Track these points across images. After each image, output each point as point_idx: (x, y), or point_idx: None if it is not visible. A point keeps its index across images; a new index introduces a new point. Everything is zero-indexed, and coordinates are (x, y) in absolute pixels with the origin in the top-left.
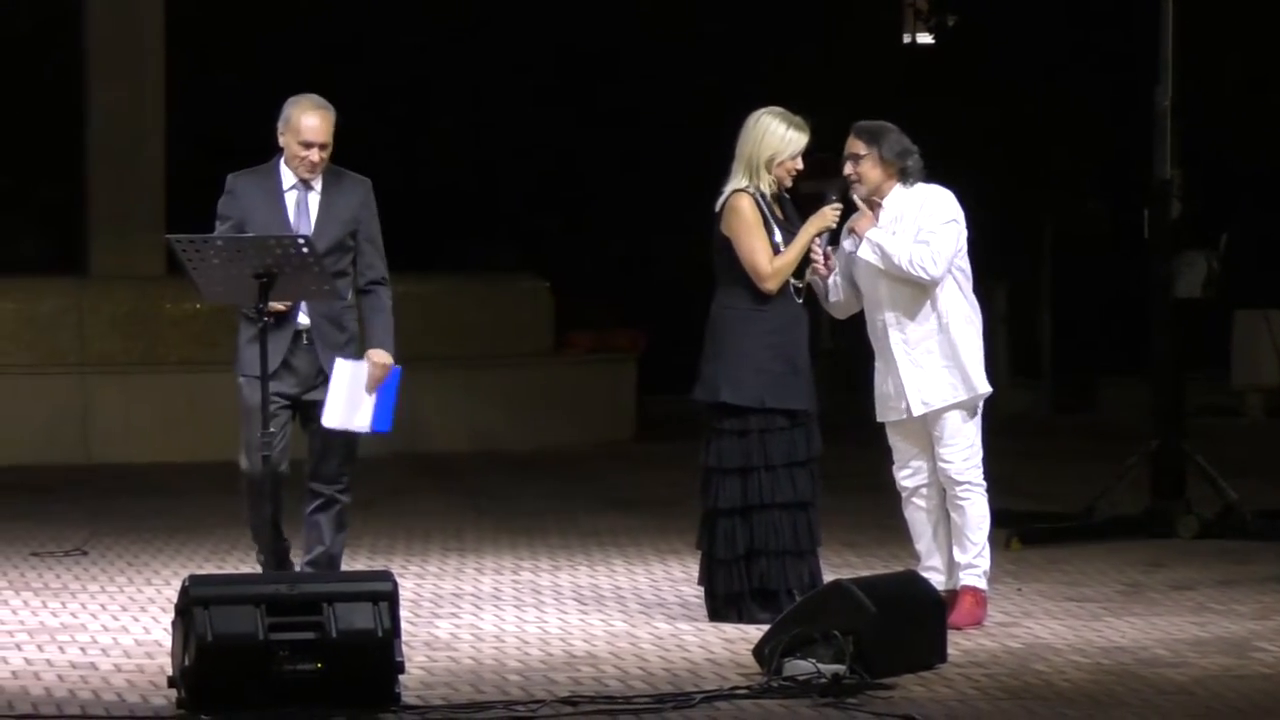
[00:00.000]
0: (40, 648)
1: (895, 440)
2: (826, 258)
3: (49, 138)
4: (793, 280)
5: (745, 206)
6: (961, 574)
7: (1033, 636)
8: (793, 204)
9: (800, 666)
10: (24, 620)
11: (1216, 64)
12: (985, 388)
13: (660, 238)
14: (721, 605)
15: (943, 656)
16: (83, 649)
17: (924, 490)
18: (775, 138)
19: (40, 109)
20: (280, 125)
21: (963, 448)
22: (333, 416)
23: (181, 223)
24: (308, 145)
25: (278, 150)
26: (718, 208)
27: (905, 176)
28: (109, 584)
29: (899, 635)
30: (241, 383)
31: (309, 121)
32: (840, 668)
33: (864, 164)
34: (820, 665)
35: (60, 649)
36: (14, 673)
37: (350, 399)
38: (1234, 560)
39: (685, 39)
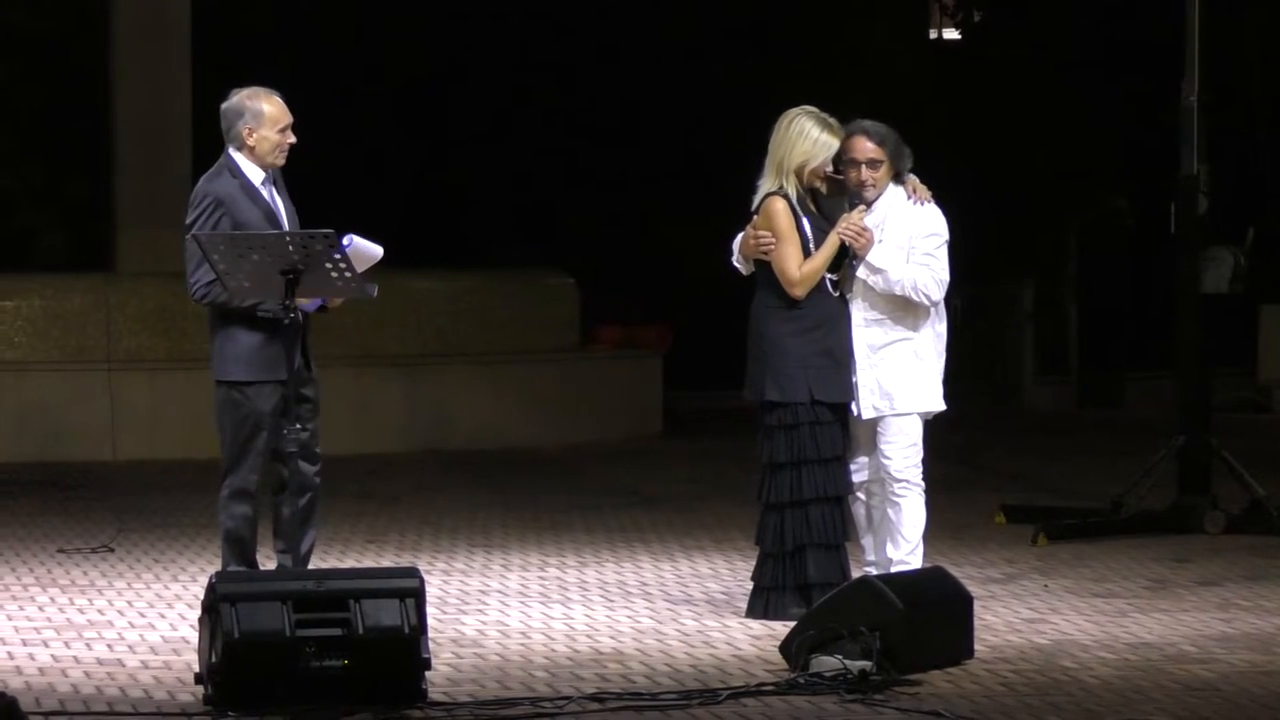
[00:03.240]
0: (67, 644)
1: (853, 432)
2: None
3: (76, 134)
4: (829, 275)
5: (780, 211)
6: (892, 571)
7: (1059, 633)
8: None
9: (827, 663)
10: (51, 617)
11: (1243, 58)
12: (939, 405)
13: (687, 233)
14: (756, 599)
15: (970, 653)
16: (109, 645)
17: (867, 487)
18: (808, 142)
19: (67, 105)
20: (243, 123)
21: (904, 446)
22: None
23: None
24: (285, 129)
25: (223, 152)
26: (754, 208)
27: (898, 176)
28: (135, 580)
29: (926, 631)
30: (250, 392)
31: (279, 105)
32: (867, 664)
33: (881, 169)
34: (847, 662)
35: (87, 645)
36: (40, 669)
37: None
38: (1261, 556)
39: (709, 34)
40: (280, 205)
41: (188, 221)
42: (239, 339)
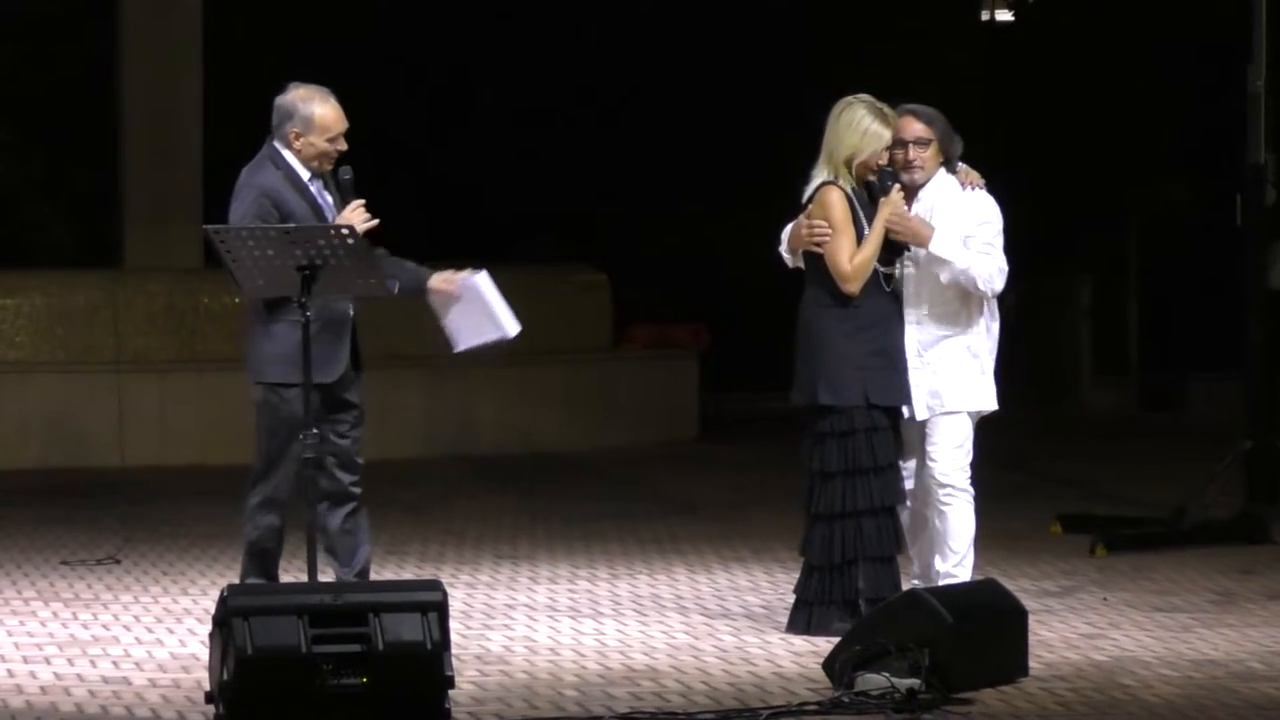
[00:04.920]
0: (71, 661)
1: (903, 435)
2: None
3: (83, 127)
4: (880, 268)
5: (835, 201)
6: (940, 584)
7: (1119, 649)
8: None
9: (873, 680)
10: (54, 633)
11: None
12: (991, 405)
13: (723, 229)
14: (798, 613)
15: (1024, 670)
16: (115, 663)
17: (915, 493)
18: (856, 135)
19: (74, 97)
20: (291, 125)
21: (951, 449)
22: (484, 331)
23: (219, 213)
24: (335, 138)
25: (267, 143)
26: (805, 199)
27: (949, 163)
28: (143, 594)
29: (977, 647)
30: (289, 395)
31: (334, 112)
32: (915, 682)
33: (930, 150)
34: (894, 679)
35: (92, 663)
36: (43, 687)
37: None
38: None
39: (748, 24)
40: (329, 201)
41: (234, 217)
42: (281, 337)
